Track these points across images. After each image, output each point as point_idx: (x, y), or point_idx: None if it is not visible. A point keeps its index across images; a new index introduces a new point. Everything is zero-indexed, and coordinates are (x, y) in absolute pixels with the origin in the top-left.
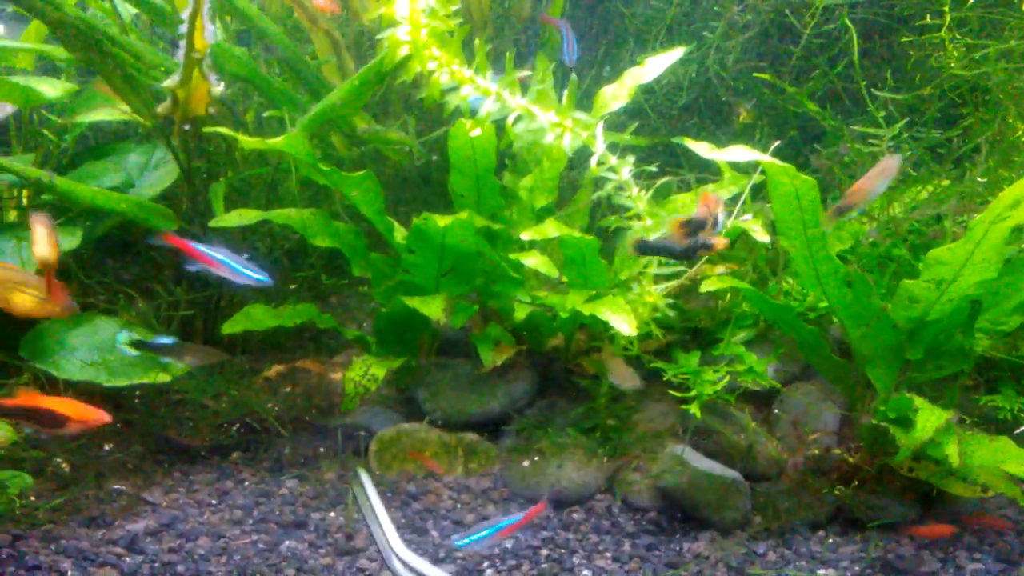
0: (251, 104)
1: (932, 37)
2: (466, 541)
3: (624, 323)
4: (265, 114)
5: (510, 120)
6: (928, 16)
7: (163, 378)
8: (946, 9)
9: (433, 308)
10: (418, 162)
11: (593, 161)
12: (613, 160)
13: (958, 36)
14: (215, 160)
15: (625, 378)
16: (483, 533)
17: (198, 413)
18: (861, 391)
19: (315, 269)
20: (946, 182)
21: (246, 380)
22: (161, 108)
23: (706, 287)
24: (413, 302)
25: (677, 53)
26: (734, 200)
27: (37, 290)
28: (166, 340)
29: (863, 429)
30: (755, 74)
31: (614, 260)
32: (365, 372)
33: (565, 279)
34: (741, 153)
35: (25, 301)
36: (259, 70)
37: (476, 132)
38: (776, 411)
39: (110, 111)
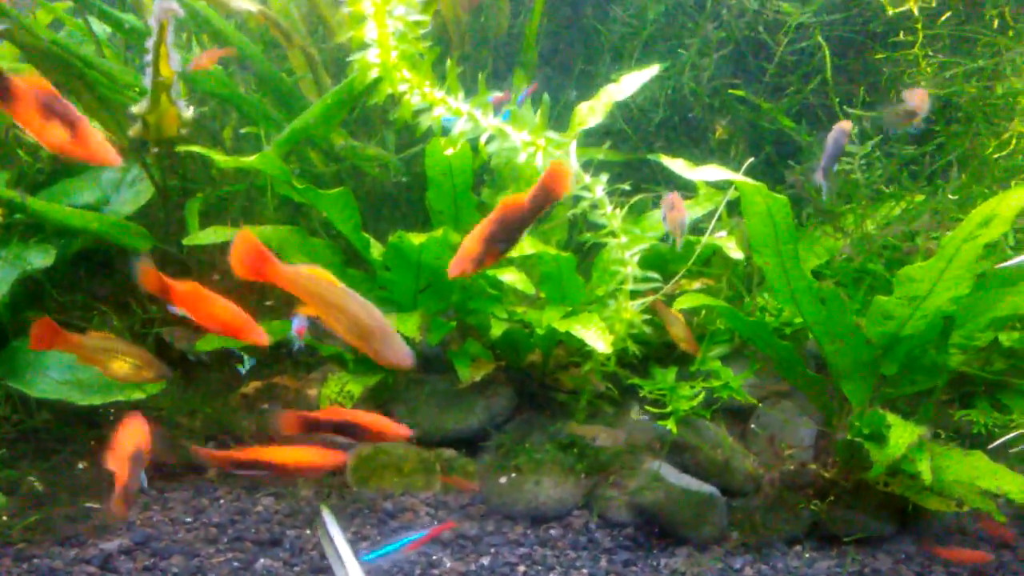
0: (229, 121)
1: (905, 54)
2: (371, 556)
3: (599, 340)
4: (242, 131)
5: (483, 140)
6: (901, 33)
7: (137, 395)
8: (919, 27)
9: (409, 326)
10: (396, 179)
11: None
12: (587, 179)
13: (931, 53)
14: (191, 178)
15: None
16: (389, 548)
17: (174, 431)
18: (837, 406)
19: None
20: (920, 198)
21: (222, 397)
22: (132, 131)
23: (681, 304)
24: (389, 319)
25: (653, 70)
26: (709, 216)
27: (134, 359)
28: None
29: (839, 444)
30: (730, 91)
31: (591, 276)
32: (341, 389)
33: (543, 295)
34: (714, 172)
35: (122, 368)
36: (236, 88)
37: (449, 151)
38: (753, 426)
39: None
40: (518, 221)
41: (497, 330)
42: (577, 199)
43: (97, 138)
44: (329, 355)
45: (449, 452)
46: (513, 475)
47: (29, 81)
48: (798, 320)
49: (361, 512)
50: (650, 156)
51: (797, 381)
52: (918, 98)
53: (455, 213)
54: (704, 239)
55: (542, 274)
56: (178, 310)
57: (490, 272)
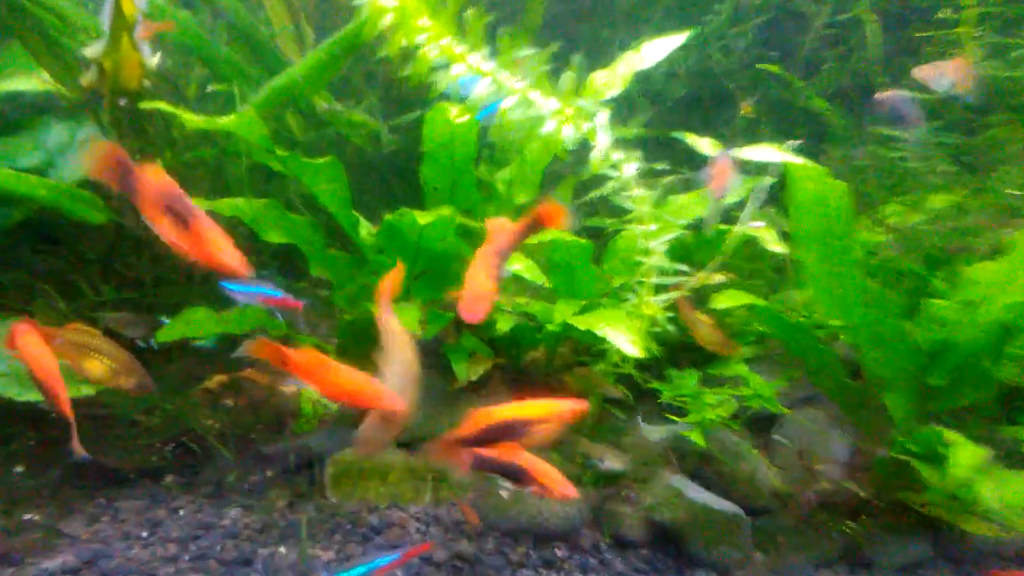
0: (193, 76)
1: (950, 33)
2: None
3: (627, 342)
4: (209, 88)
5: (505, 105)
6: (948, 10)
7: (86, 391)
8: (968, 3)
9: (408, 318)
10: (387, 149)
11: (596, 155)
12: (616, 156)
13: (980, 33)
14: (151, 140)
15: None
16: (356, 571)
17: (127, 430)
18: (874, 418)
19: (267, 268)
20: (963, 193)
21: (182, 392)
22: (85, 79)
23: (720, 302)
24: (378, 311)
25: (680, 38)
26: (739, 205)
27: (114, 361)
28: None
29: (878, 461)
30: (760, 65)
31: (602, 265)
32: None
33: (549, 285)
34: (766, 153)
35: (98, 369)
36: (205, 38)
37: (463, 118)
38: (776, 437)
39: (28, 79)
40: (509, 249)
41: (504, 325)
42: (602, 179)
43: (222, 242)
44: (305, 344)
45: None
46: (513, 487)
47: (153, 176)
48: (835, 322)
49: (342, 527)
50: (675, 134)
51: (832, 390)
52: (957, 69)
53: (452, 190)
54: (737, 228)
55: (551, 262)
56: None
57: None
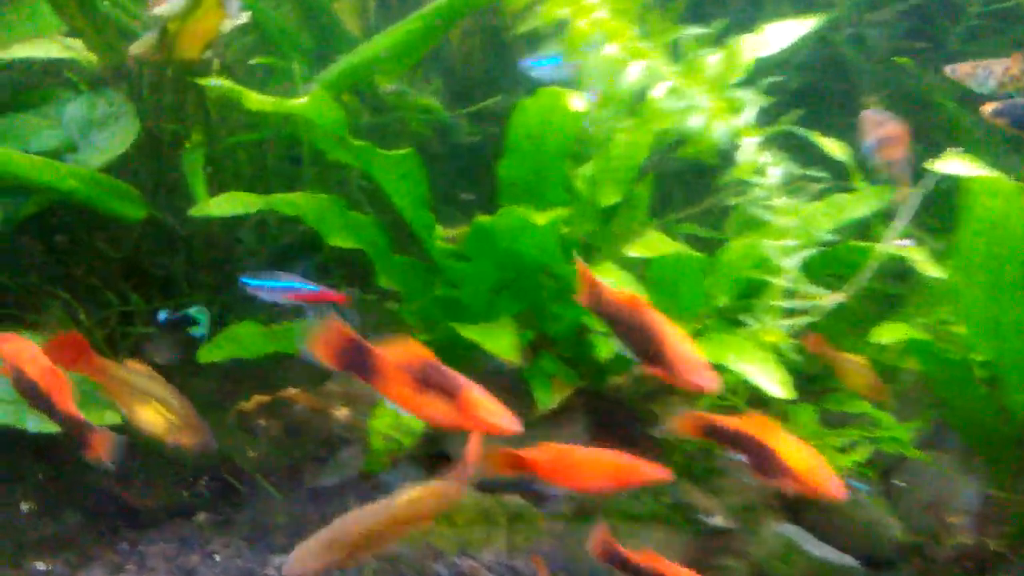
0: (234, 45)
1: None
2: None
3: (771, 381)
4: (252, 60)
5: (656, 94)
6: None
7: (111, 419)
8: None
9: (502, 343)
10: (464, 139)
11: (744, 156)
12: (762, 159)
13: None
14: (186, 120)
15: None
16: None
17: (152, 461)
18: (1016, 467)
19: (331, 277)
20: None
21: (212, 415)
22: (139, 46)
23: (880, 337)
24: (470, 332)
25: (810, 22)
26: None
27: (174, 413)
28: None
29: (1017, 514)
30: (895, 59)
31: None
32: (397, 422)
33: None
34: (956, 166)
35: (153, 420)
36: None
37: (579, 103)
38: (896, 481)
39: (46, 44)
40: None
41: (605, 351)
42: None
43: (492, 405)
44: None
45: (515, 500)
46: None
47: (399, 352)
48: (987, 356)
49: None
50: (803, 132)
51: (976, 434)
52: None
53: (535, 188)
54: (882, 246)
55: (650, 277)
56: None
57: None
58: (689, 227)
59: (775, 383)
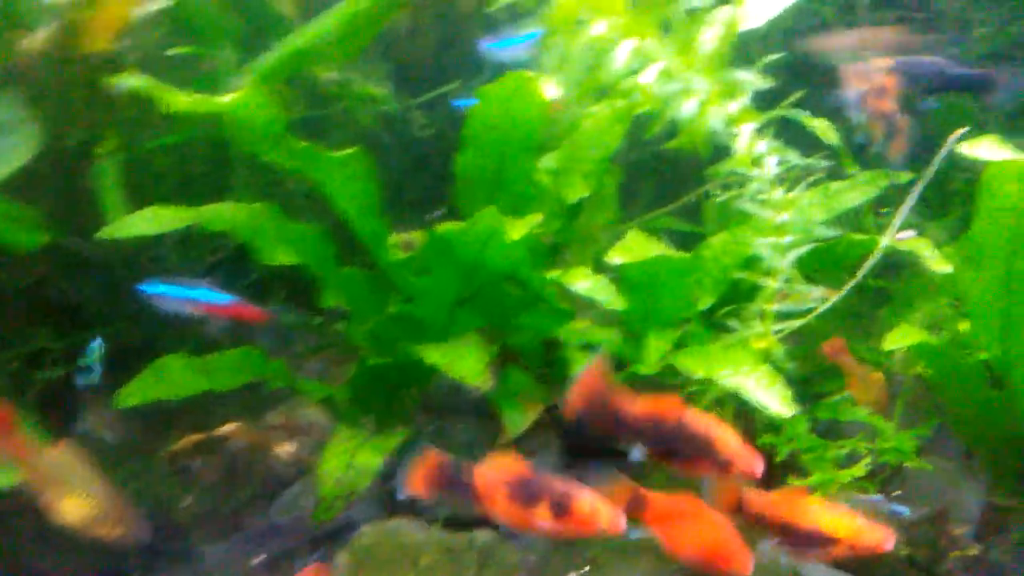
0: (149, 35)
1: None
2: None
3: (774, 398)
4: (171, 51)
5: (646, 78)
6: None
7: (4, 480)
8: None
9: (468, 365)
10: (424, 132)
11: (741, 147)
12: (759, 147)
13: None
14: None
15: None
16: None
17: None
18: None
19: (268, 295)
20: None
21: (143, 459)
22: (40, 39)
23: (892, 343)
24: (432, 354)
25: None
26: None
27: (101, 504)
28: None
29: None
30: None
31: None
32: (349, 462)
33: (621, 307)
34: (988, 150)
35: (76, 509)
36: None
37: (553, 91)
38: (898, 494)
39: None
40: None
41: (580, 363)
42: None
43: (603, 509)
44: (318, 399)
45: (484, 536)
46: (586, 569)
47: (500, 469)
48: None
49: None
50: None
51: (985, 442)
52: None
53: (496, 185)
54: (885, 240)
55: (625, 279)
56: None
57: (552, 275)
58: (664, 222)
59: (775, 399)
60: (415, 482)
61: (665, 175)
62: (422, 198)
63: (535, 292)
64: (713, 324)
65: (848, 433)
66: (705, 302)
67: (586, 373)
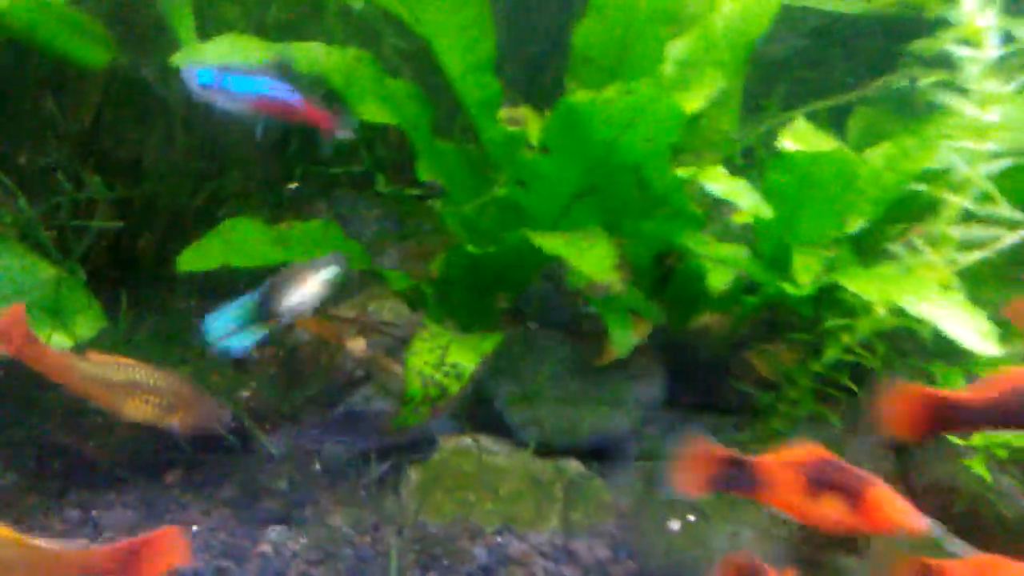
0: None
1: None
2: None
3: (973, 332)
4: None
5: None
6: None
7: (62, 342)
8: None
9: (597, 260)
10: None
11: (965, 10)
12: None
13: None
14: None
15: None
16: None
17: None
18: None
19: (362, 163)
20: None
21: (193, 346)
22: None
23: None
24: (552, 243)
25: None
26: None
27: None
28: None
29: None
30: None
31: None
32: (440, 358)
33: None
34: None
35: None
36: None
37: None
38: None
39: None
40: None
41: (719, 281)
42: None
43: (898, 503)
44: (403, 289)
45: (574, 466)
46: (691, 518)
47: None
48: None
49: (436, 563)
50: None
51: None
52: None
53: (621, 63)
54: None
55: (769, 183)
56: None
57: (680, 173)
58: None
59: (974, 334)
60: (687, 480)
61: (807, 79)
62: (529, 72)
63: (659, 194)
64: (863, 252)
65: None
66: (855, 224)
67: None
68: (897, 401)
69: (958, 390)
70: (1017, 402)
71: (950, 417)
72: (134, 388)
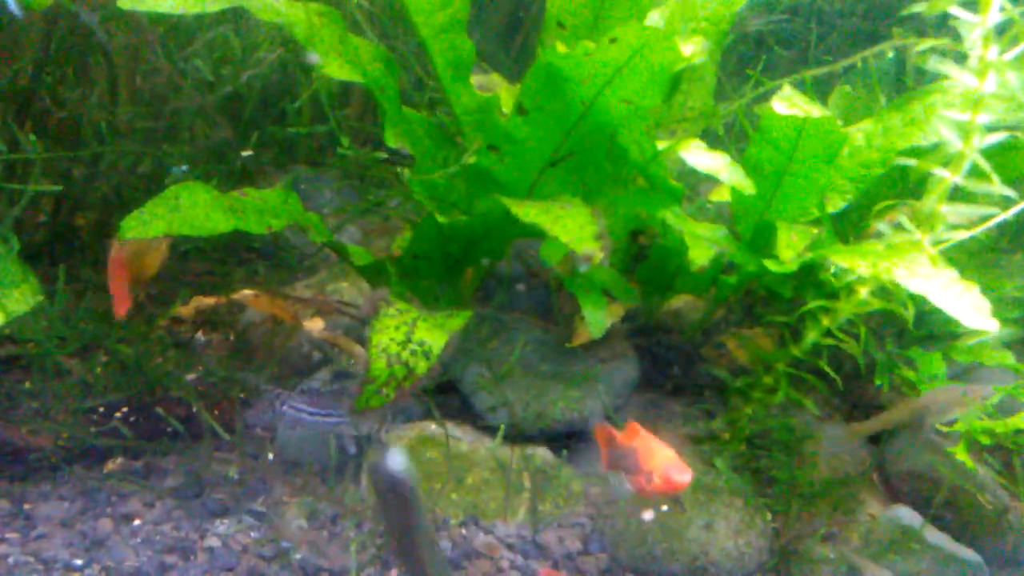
0: None
1: None
2: None
3: (970, 310)
4: None
5: None
6: None
7: None
8: None
9: (576, 228)
10: None
11: None
12: None
13: None
14: None
15: None
16: None
17: (50, 384)
18: None
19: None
20: None
21: (138, 324)
22: None
23: None
24: (529, 211)
25: None
26: None
27: None
28: None
29: None
30: None
31: None
32: (407, 335)
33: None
34: None
35: None
36: None
37: None
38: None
39: None
40: None
41: (700, 256)
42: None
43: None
44: (363, 266)
45: (543, 453)
46: (664, 508)
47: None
48: None
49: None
50: None
51: None
52: None
53: (595, 26)
54: None
55: (750, 158)
56: None
57: (661, 145)
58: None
59: (970, 310)
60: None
61: (783, 58)
62: (499, 42)
63: (635, 164)
64: (843, 233)
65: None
66: (836, 204)
67: None
68: None
69: None
70: None
71: None
72: None
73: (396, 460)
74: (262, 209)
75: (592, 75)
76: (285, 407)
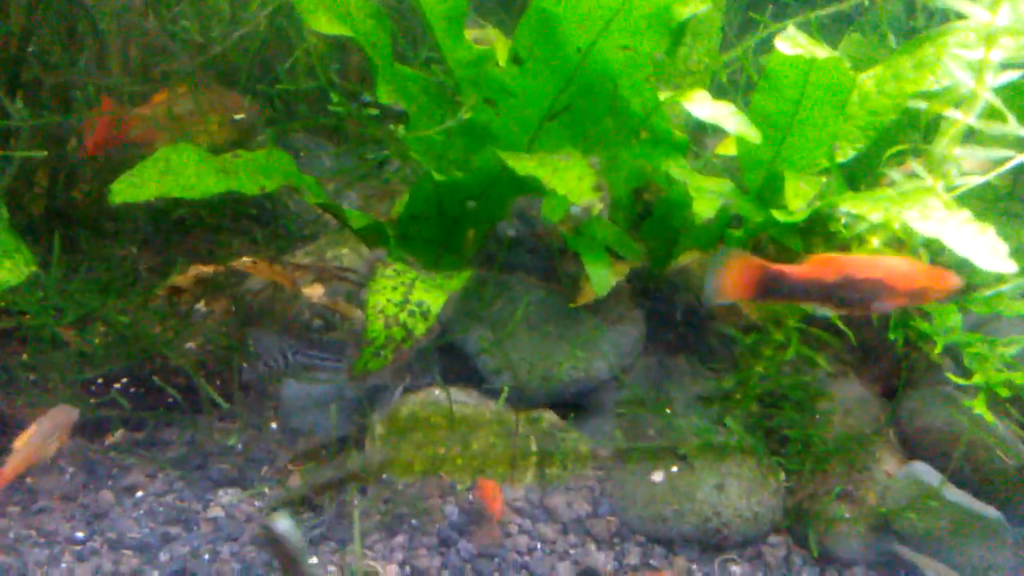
0: None
1: None
2: None
3: (987, 252)
4: None
5: None
6: None
7: None
8: None
9: (575, 181)
10: None
11: None
12: None
13: None
14: None
15: None
16: None
17: (47, 356)
18: None
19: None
20: None
21: (136, 293)
22: None
23: None
24: (527, 165)
25: None
26: None
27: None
28: None
29: None
30: None
31: None
32: (404, 296)
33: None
34: None
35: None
36: None
37: None
38: None
39: None
40: None
41: (705, 208)
42: None
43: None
44: (362, 227)
45: (549, 416)
46: (675, 469)
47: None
48: None
49: (403, 522)
50: None
51: None
52: None
53: None
54: None
55: (756, 106)
56: None
57: (664, 96)
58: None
59: (986, 251)
60: (729, 287)
61: (789, 7)
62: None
63: (638, 117)
64: (853, 182)
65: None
66: (846, 153)
67: (732, 257)
68: (731, 268)
69: (786, 264)
70: (834, 280)
71: (775, 286)
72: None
73: (283, 525)
74: (254, 169)
75: (587, 18)
76: (298, 356)
